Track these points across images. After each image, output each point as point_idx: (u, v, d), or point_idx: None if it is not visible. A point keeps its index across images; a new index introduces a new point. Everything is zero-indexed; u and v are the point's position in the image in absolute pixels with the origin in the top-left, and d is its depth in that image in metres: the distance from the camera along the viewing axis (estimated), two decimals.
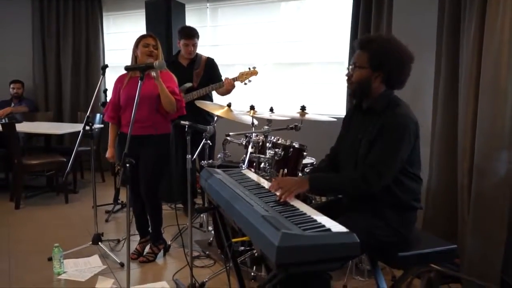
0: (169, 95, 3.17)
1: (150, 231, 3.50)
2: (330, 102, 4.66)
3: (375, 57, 2.06)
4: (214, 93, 4.25)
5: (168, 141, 3.33)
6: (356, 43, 2.17)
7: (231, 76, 3.96)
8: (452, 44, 3.19)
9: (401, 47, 2.09)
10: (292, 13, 5.04)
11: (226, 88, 4.00)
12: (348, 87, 2.23)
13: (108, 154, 3.43)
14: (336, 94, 4.59)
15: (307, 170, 3.23)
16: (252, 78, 3.89)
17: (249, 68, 3.89)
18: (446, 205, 3.23)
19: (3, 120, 4.84)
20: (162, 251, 3.50)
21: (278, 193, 1.98)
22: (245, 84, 3.91)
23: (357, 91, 2.16)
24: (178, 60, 4.19)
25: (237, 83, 3.97)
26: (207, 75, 4.14)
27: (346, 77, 2.18)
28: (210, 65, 4.21)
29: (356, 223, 1.84)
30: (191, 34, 4.04)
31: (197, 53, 4.18)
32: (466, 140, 2.94)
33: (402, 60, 2.05)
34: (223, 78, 4.07)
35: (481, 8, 2.79)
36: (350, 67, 2.16)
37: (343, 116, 2.44)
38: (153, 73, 3.06)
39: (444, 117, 3.26)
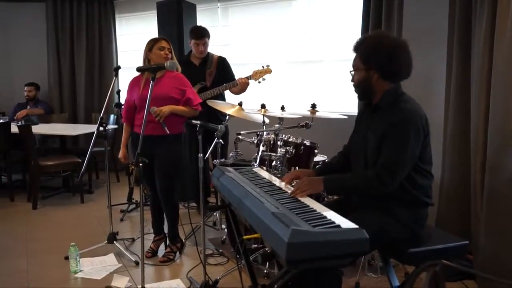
0: (189, 112, 3.24)
1: (167, 230, 3.53)
2: (342, 100, 4.64)
3: (365, 56, 2.10)
4: (227, 92, 4.26)
5: (181, 140, 3.36)
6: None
7: (244, 75, 3.95)
8: (464, 39, 3.16)
9: (386, 38, 2.11)
10: (303, 11, 5.03)
11: (241, 87, 4.00)
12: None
13: (120, 154, 3.45)
14: (348, 92, 4.54)
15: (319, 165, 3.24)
16: (266, 76, 3.89)
17: (263, 66, 3.88)
18: (459, 202, 3.21)
19: (20, 123, 4.91)
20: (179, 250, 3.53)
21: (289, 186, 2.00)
22: (259, 82, 3.91)
23: (361, 93, 2.20)
24: (190, 60, 4.21)
25: (250, 82, 3.97)
26: (220, 74, 4.15)
27: (352, 82, 2.21)
28: (222, 64, 4.22)
29: (366, 219, 1.85)
30: (201, 34, 4.06)
31: (208, 52, 4.20)
32: (479, 136, 2.92)
33: (389, 50, 2.05)
34: (236, 77, 4.09)
35: (492, 4, 2.77)
36: (351, 72, 2.20)
37: (355, 114, 2.45)
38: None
39: (456, 113, 3.24)
